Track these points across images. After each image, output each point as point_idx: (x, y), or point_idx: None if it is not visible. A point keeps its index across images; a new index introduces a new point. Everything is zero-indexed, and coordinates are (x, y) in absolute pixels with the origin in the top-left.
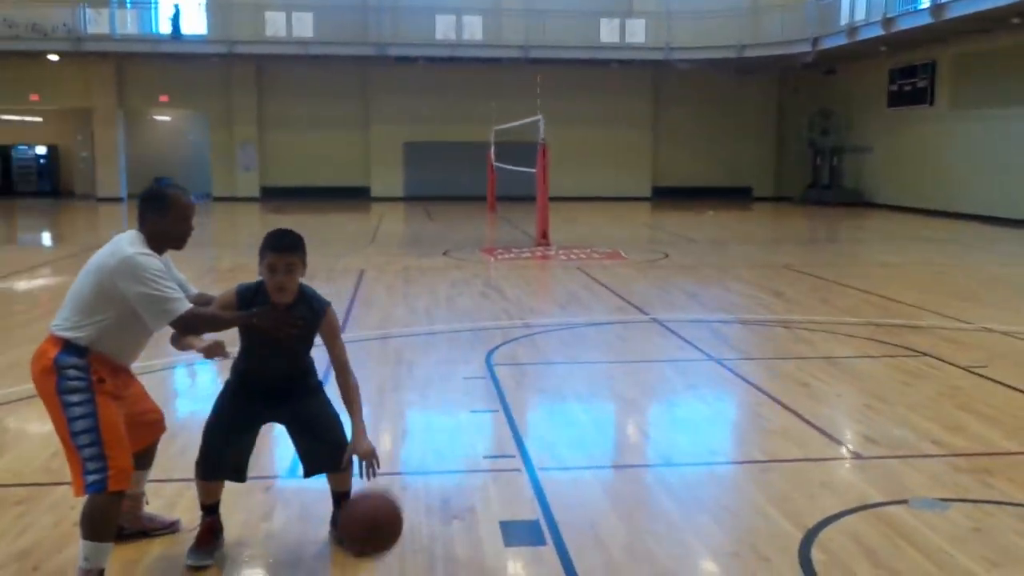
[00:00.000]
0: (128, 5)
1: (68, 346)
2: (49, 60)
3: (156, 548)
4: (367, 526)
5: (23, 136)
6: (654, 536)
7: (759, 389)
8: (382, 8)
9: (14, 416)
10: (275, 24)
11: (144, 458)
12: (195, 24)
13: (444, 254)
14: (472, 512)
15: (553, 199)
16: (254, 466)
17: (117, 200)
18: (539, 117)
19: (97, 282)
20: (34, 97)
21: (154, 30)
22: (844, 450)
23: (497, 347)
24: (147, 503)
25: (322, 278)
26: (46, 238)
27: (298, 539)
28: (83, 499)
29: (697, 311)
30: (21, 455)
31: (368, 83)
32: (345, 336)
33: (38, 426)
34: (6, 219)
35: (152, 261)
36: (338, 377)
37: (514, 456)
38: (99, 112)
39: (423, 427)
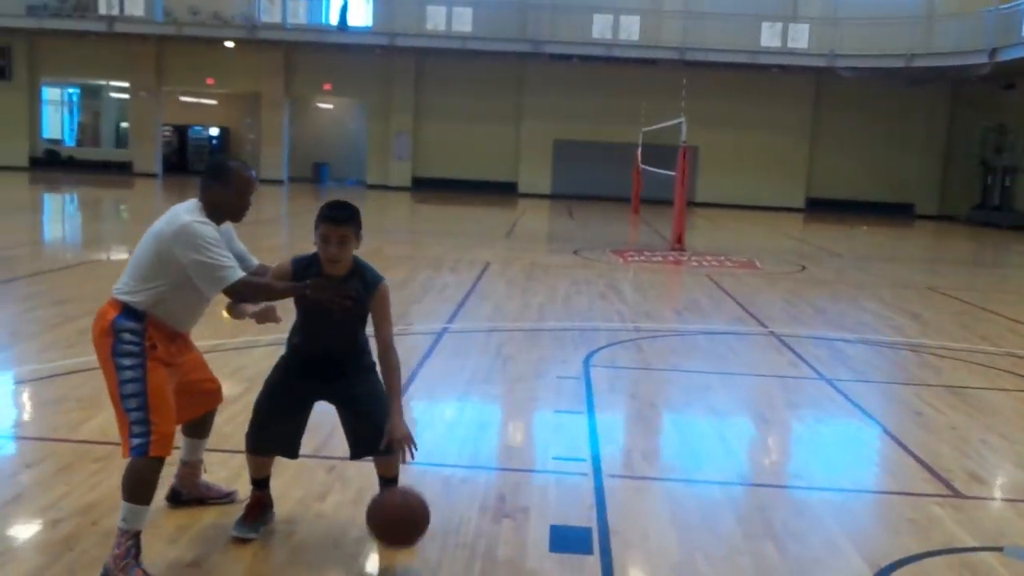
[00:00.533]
0: None
1: (126, 309)
2: (225, 47)
3: (208, 516)
4: (386, 519)
5: (199, 117)
6: (708, 557)
7: (866, 413)
8: (541, 5)
9: None
10: (435, 18)
11: (201, 427)
12: (360, 16)
13: (574, 252)
14: (525, 513)
15: (700, 205)
16: (323, 446)
17: (279, 182)
18: (682, 119)
19: (155, 249)
20: (210, 81)
21: (323, 21)
22: (943, 486)
23: (600, 349)
24: (205, 471)
25: (447, 268)
26: None
27: (345, 522)
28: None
29: (821, 327)
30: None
31: (522, 79)
32: (453, 326)
33: None
34: (181, 194)
35: (207, 229)
36: (380, 356)
37: (585, 460)
38: (267, 97)
39: (501, 422)
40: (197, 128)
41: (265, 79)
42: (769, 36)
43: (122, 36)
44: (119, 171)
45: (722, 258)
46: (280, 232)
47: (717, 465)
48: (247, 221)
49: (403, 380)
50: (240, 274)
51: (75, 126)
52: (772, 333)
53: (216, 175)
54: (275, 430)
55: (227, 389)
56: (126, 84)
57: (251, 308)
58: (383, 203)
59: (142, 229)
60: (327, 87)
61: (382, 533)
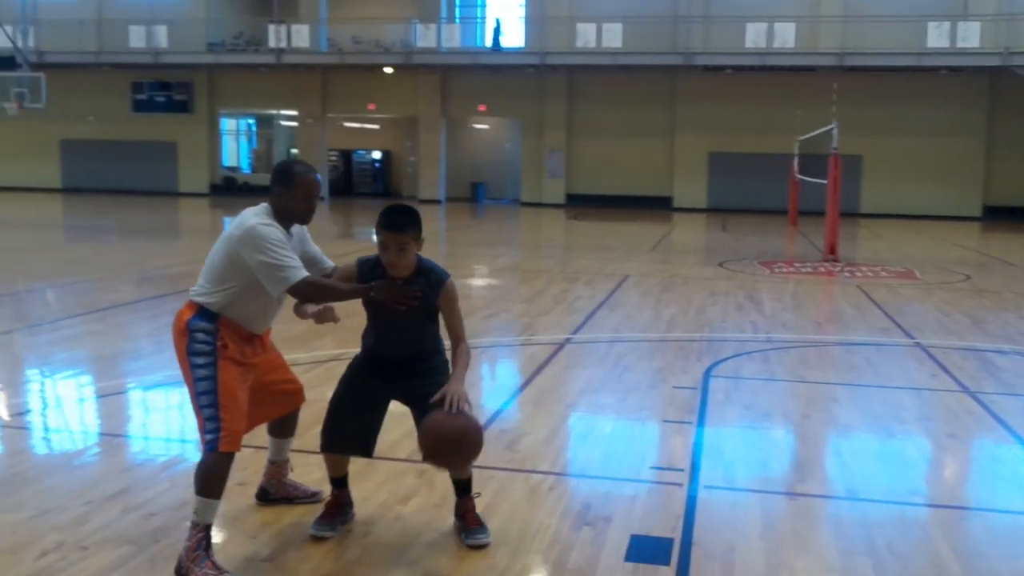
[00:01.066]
0: (457, 20)
1: (200, 311)
2: (384, 73)
3: (291, 515)
4: (431, 436)
5: (362, 142)
6: (793, 573)
7: (1008, 428)
8: (692, 17)
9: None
10: (586, 35)
11: (283, 427)
12: (513, 37)
13: (720, 265)
14: (608, 521)
15: (866, 216)
16: (417, 450)
17: (436, 202)
18: (833, 125)
19: (225, 252)
20: (371, 106)
21: (477, 43)
22: None
23: (725, 360)
24: (292, 471)
25: (583, 282)
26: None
27: (421, 525)
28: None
29: (974, 339)
30: None
31: (674, 92)
32: (576, 337)
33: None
34: (346, 215)
35: (272, 231)
36: (452, 349)
37: (682, 470)
38: (424, 120)
39: (603, 431)
40: (361, 152)
41: (422, 102)
42: (936, 36)
43: (290, 67)
44: None
45: (878, 268)
46: (438, 248)
47: (824, 478)
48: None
49: (514, 389)
50: (303, 274)
51: (250, 154)
52: (918, 344)
53: (281, 180)
54: (348, 429)
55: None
56: (294, 112)
57: (312, 309)
58: (536, 220)
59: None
60: (482, 108)
61: (429, 452)
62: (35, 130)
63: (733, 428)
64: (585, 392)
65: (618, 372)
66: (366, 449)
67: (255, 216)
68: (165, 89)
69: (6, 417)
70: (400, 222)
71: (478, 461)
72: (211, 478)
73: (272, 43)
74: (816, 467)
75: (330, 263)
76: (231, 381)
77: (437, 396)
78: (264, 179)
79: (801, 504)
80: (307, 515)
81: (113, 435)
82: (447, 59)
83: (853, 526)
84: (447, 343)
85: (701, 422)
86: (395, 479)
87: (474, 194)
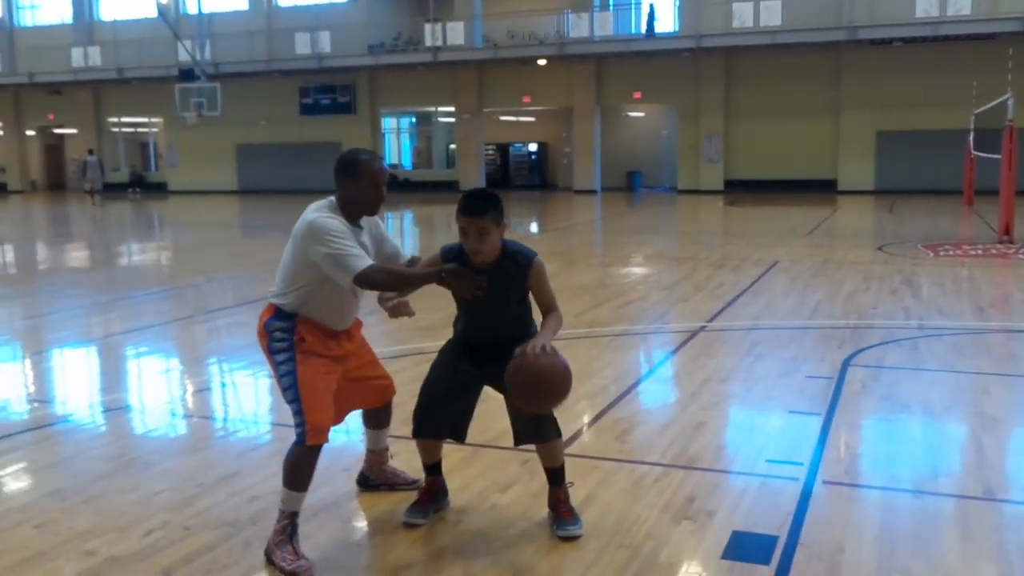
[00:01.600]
0: (611, 7)
1: (277, 312)
2: (538, 65)
3: (387, 502)
4: (524, 380)
5: (518, 135)
6: None
7: None
8: None
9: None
10: (743, 14)
11: (377, 419)
12: (666, 21)
13: (879, 248)
14: (710, 516)
15: None
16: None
17: (591, 192)
18: (1008, 96)
19: (292, 250)
20: (526, 99)
21: (632, 30)
22: None
23: (868, 348)
24: (391, 458)
25: (729, 268)
26: (525, 225)
27: (515, 516)
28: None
29: None
30: None
31: (838, 69)
32: (712, 324)
33: None
34: (505, 206)
35: (331, 222)
36: (544, 316)
37: (801, 464)
38: (579, 110)
39: (721, 421)
40: (517, 145)
41: (577, 93)
42: None
43: (446, 64)
44: (447, 189)
45: None
46: (592, 238)
47: (959, 477)
48: (557, 227)
49: (636, 378)
50: (367, 262)
51: (412, 151)
52: None
53: (347, 171)
54: (439, 413)
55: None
56: (452, 108)
57: (389, 303)
58: (690, 207)
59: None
60: (637, 95)
61: (515, 391)
62: (213, 137)
63: (865, 420)
64: (710, 381)
65: (749, 361)
66: (457, 434)
67: (315, 211)
68: (329, 92)
69: (147, 402)
70: (479, 206)
71: (577, 449)
72: (296, 470)
73: (428, 42)
74: (951, 464)
75: (407, 253)
76: (311, 374)
77: (519, 349)
78: (425, 174)
79: (928, 504)
80: (403, 502)
81: (241, 420)
82: (601, 48)
83: (983, 529)
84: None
85: (831, 413)
86: (496, 468)
87: (630, 183)
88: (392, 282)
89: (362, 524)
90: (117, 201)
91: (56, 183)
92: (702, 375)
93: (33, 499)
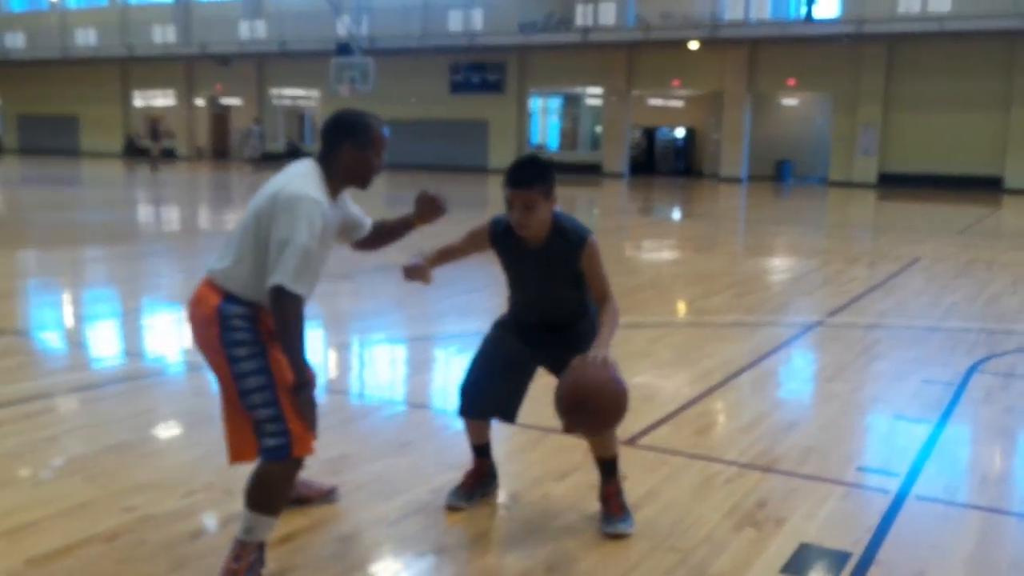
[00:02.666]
0: None
1: (230, 296)
2: (689, 48)
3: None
4: (570, 396)
5: (664, 119)
6: None
7: None
8: None
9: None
10: (908, 1)
11: None
12: (827, 6)
13: None
14: (779, 524)
15: None
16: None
17: (737, 180)
18: None
19: (258, 215)
20: (675, 83)
21: (789, 14)
22: None
23: (1001, 354)
24: (303, 468)
25: (864, 263)
26: (664, 211)
27: (566, 507)
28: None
29: None
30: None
31: (1012, 60)
32: (832, 319)
33: None
34: (647, 192)
35: (316, 208)
36: (599, 308)
37: (896, 476)
38: (729, 96)
39: (819, 422)
40: (664, 130)
41: (728, 78)
42: None
43: (596, 45)
44: (590, 172)
45: None
46: (729, 227)
47: None
48: (697, 213)
49: (733, 371)
50: (303, 288)
51: (559, 132)
52: None
53: (351, 135)
54: (486, 391)
55: None
56: (600, 90)
57: (410, 262)
58: (839, 200)
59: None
60: (791, 82)
61: (562, 407)
62: (365, 111)
63: (980, 432)
64: (815, 379)
65: (864, 360)
66: (506, 414)
67: (302, 178)
68: (479, 70)
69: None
70: (526, 177)
71: (650, 441)
72: (273, 491)
73: (579, 21)
74: None
75: (368, 221)
76: (287, 374)
77: (577, 359)
78: (570, 156)
79: None
80: (451, 483)
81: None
82: (756, 31)
83: None
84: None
85: (943, 422)
86: (557, 455)
87: (779, 173)
88: (289, 329)
89: (398, 504)
90: (273, 171)
91: (220, 151)
92: (807, 372)
93: (94, 451)
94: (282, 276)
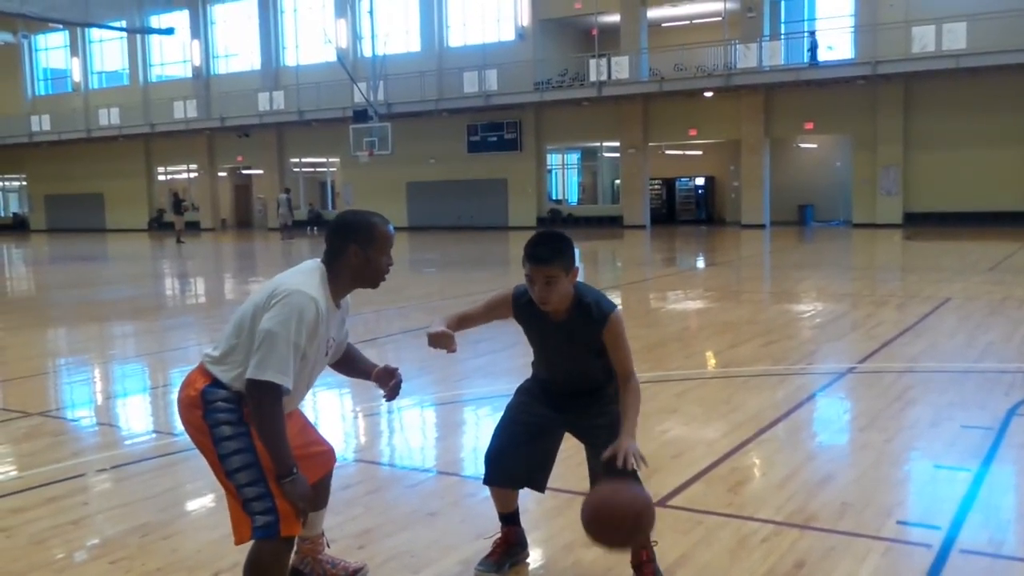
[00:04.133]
0: (781, 36)
1: (218, 382)
2: (704, 97)
3: (469, 550)
4: (591, 512)
5: (684, 168)
6: None
7: None
8: None
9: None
10: (923, 38)
11: (315, 496)
12: (842, 49)
13: None
14: None
15: None
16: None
17: (759, 227)
18: None
19: (257, 310)
20: (692, 132)
21: (803, 59)
22: None
23: None
24: (328, 546)
25: (893, 305)
26: (687, 260)
27: (598, 573)
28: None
29: None
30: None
31: None
32: (863, 366)
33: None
34: (669, 242)
35: (310, 311)
36: (620, 386)
37: (939, 529)
38: (747, 142)
39: (855, 474)
40: (683, 179)
41: (745, 124)
42: None
43: (612, 99)
44: (611, 224)
45: None
46: (751, 273)
47: None
48: (720, 261)
49: (765, 424)
50: (286, 382)
51: (578, 186)
52: None
53: (356, 235)
54: (514, 459)
55: None
56: (617, 143)
57: (435, 329)
58: (864, 242)
59: (628, 274)
60: (808, 126)
61: (590, 524)
62: (385, 175)
63: None
64: (848, 429)
65: (898, 407)
66: (534, 482)
67: (305, 277)
68: (496, 129)
69: None
70: (545, 253)
71: (682, 501)
72: (269, 571)
73: (593, 76)
74: None
75: (346, 340)
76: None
77: (607, 454)
78: (589, 210)
79: None
80: (482, 552)
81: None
82: (769, 77)
83: None
84: None
85: (984, 469)
86: None
87: (801, 217)
88: (265, 420)
89: None
90: (297, 239)
91: (244, 221)
92: (840, 422)
93: (119, 532)
94: (258, 368)
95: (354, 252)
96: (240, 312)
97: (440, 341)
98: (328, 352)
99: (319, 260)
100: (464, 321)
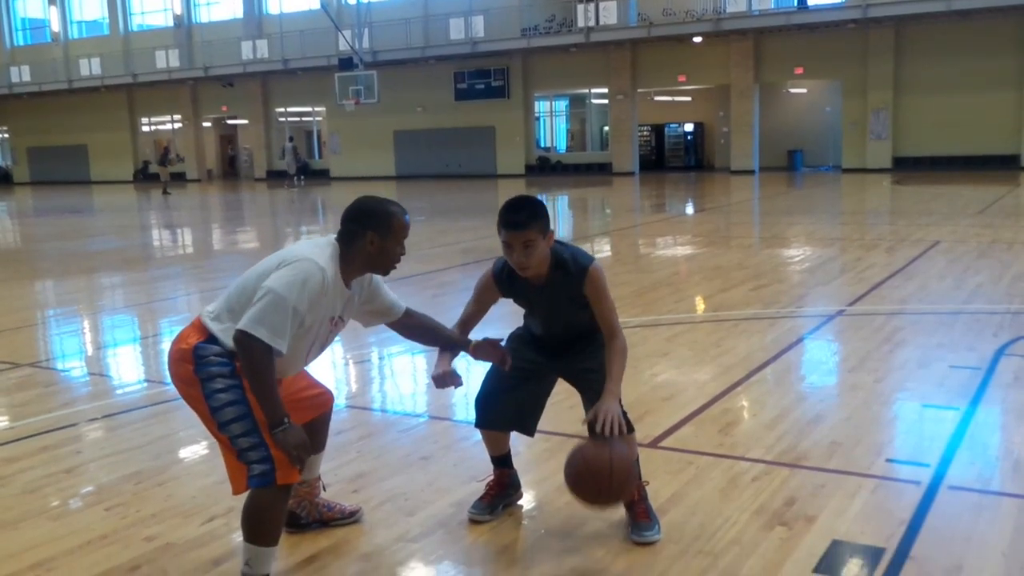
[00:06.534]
0: None
1: (213, 339)
2: (693, 43)
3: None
4: (572, 477)
5: (673, 115)
6: None
7: None
8: None
9: None
10: None
11: (312, 440)
12: None
13: None
14: (809, 522)
15: None
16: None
17: (749, 173)
18: None
19: (264, 274)
20: (681, 78)
21: (793, 1)
22: None
23: None
24: (324, 489)
25: (882, 249)
26: (677, 206)
27: (592, 514)
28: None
29: None
30: None
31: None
32: (851, 308)
33: None
34: (658, 189)
35: (315, 281)
36: (606, 342)
37: (927, 466)
38: (736, 88)
39: (844, 414)
40: (672, 125)
41: (734, 70)
42: None
43: (599, 45)
44: (600, 171)
45: None
46: (740, 219)
47: None
48: (708, 207)
49: (755, 366)
50: (280, 343)
51: (566, 134)
52: None
53: (373, 222)
54: (502, 402)
55: None
56: (605, 90)
57: (437, 371)
58: (854, 187)
59: (620, 222)
60: (798, 71)
61: (572, 487)
62: (372, 124)
63: (1012, 416)
64: (838, 370)
65: (887, 349)
66: (523, 426)
67: (317, 250)
68: (484, 77)
69: None
70: (521, 218)
71: (673, 443)
72: (267, 520)
73: (581, 22)
74: None
75: (401, 307)
76: None
77: (589, 416)
78: (578, 157)
79: None
80: (473, 496)
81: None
82: (759, 22)
83: None
84: None
85: (972, 408)
86: None
87: (791, 162)
88: (255, 373)
89: (420, 519)
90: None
91: (230, 172)
92: (830, 363)
93: (113, 480)
94: (251, 321)
95: (371, 239)
96: (245, 276)
97: (445, 382)
98: (332, 326)
99: (333, 237)
100: (466, 327)
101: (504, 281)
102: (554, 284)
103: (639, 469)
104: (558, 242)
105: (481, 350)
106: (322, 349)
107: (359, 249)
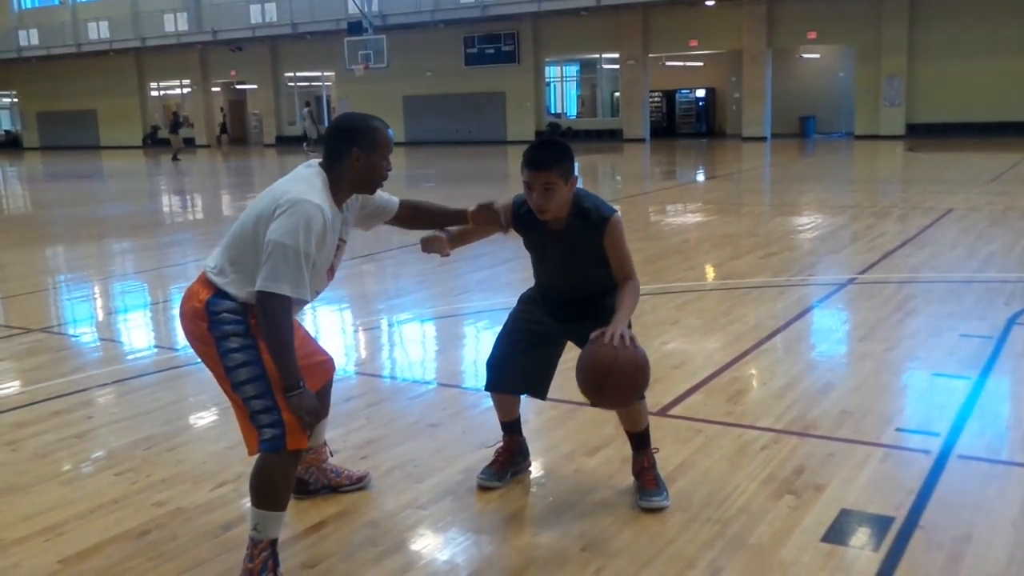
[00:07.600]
0: None
1: (221, 293)
2: (706, 6)
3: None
4: (579, 366)
5: (684, 80)
6: None
7: None
8: None
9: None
10: None
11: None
12: None
13: None
14: (818, 491)
15: None
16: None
17: (760, 139)
18: None
19: (259, 218)
20: (693, 43)
21: None
22: None
23: None
24: (331, 455)
25: (893, 217)
26: (687, 173)
27: (599, 482)
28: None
29: None
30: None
31: None
32: (863, 276)
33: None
34: (668, 155)
35: (318, 220)
36: (619, 285)
37: (937, 435)
38: (748, 53)
39: (854, 383)
40: (684, 91)
41: (747, 35)
42: None
43: (611, 9)
44: (610, 138)
45: None
46: (752, 186)
47: None
48: (719, 174)
49: (764, 335)
50: (302, 291)
51: (576, 99)
52: None
53: (358, 140)
54: (513, 366)
55: None
56: (616, 55)
57: (427, 234)
58: (866, 153)
59: (629, 188)
60: (812, 35)
61: (582, 384)
62: (381, 89)
63: (1023, 387)
64: (848, 339)
65: (898, 317)
66: (535, 389)
67: (306, 183)
68: (494, 42)
69: None
70: (544, 159)
71: (682, 411)
72: (276, 485)
73: None
74: None
75: (395, 202)
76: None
77: (596, 334)
78: (589, 123)
79: None
80: (482, 463)
81: (343, 370)
82: None
83: None
84: None
85: (983, 378)
86: (589, 428)
87: (803, 129)
88: (275, 333)
89: (429, 486)
90: (293, 155)
91: (238, 137)
92: (840, 332)
93: (123, 445)
94: (269, 280)
95: (356, 156)
96: (241, 221)
97: (433, 244)
98: (335, 253)
99: (318, 163)
100: (462, 236)
101: (520, 217)
102: (572, 231)
103: (647, 377)
104: (581, 190)
105: (479, 215)
106: (333, 275)
107: (345, 167)
